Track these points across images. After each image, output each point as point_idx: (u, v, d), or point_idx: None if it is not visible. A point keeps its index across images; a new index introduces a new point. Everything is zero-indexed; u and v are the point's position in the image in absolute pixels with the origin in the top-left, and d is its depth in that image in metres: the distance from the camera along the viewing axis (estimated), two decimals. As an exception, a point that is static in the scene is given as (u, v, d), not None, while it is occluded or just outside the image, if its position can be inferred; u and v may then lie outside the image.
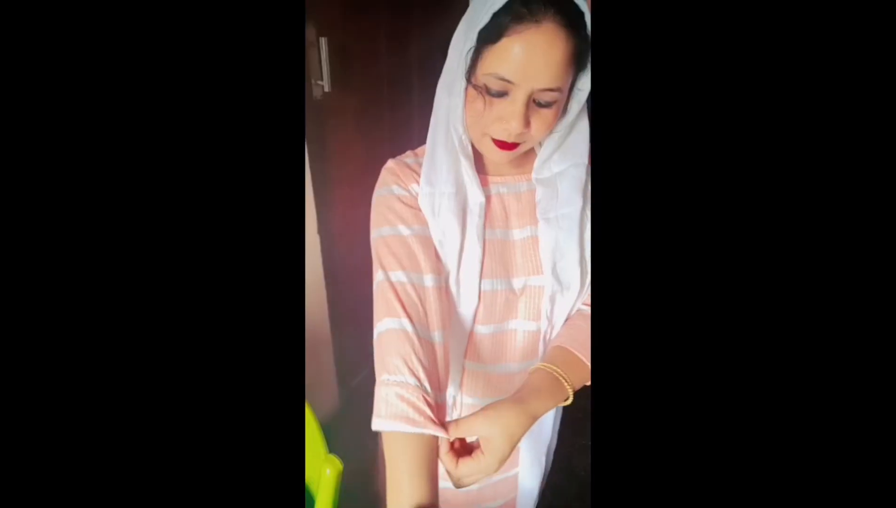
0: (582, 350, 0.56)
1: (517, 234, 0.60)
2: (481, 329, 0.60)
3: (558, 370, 0.54)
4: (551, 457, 0.81)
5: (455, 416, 0.65)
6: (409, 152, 0.63)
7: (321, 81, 1.19)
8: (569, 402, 0.54)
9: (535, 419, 0.50)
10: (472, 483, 0.51)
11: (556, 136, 0.56)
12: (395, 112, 1.57)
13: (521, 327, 0.62)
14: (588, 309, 0.63)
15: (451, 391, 0.64)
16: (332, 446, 0.61)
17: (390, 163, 0.62)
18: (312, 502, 0.61)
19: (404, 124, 1.64)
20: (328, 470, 0.58)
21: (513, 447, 0.49)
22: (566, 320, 0.62)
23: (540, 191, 0.60)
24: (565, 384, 0.53)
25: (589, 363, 0.56)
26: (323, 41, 1.14)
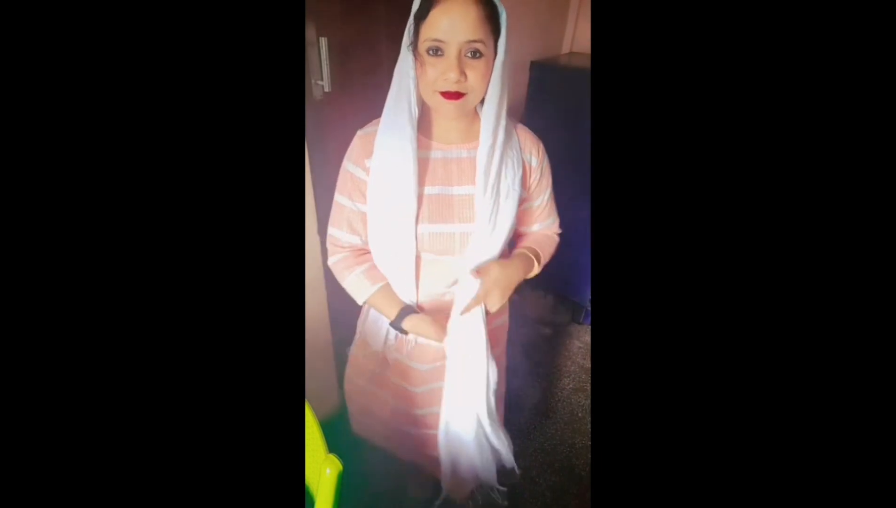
0: (543, 253, 0.89)
1: (456, 190, 0.78)
2: (426, 257, 0.82)
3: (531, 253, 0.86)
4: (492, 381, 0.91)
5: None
6: (375, 121, 0.79)
7: (321, 81, 1.19)
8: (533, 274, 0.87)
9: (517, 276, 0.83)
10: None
11: (493, 100, 0.71)
12: (395, 112, 1.56)
13: (454, 261, 0.83)
14: (555, 236, 0.93)
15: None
16: (332, 446, 0.61)
17: (358, 134, 0.80)
18: (312, 502, 0.61)
19: (404, 124, 1.63)
20: (328, 470, 0.58)
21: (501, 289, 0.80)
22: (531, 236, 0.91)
23: (480, 158, 0.75)
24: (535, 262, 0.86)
25: (539, 264, 0.88)
26: (323, 41, 1.14)
